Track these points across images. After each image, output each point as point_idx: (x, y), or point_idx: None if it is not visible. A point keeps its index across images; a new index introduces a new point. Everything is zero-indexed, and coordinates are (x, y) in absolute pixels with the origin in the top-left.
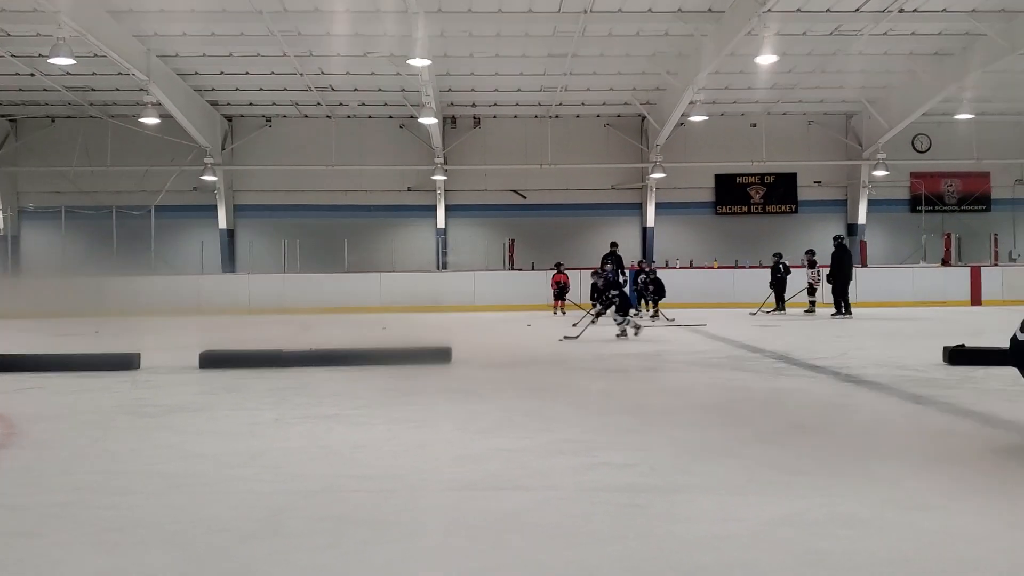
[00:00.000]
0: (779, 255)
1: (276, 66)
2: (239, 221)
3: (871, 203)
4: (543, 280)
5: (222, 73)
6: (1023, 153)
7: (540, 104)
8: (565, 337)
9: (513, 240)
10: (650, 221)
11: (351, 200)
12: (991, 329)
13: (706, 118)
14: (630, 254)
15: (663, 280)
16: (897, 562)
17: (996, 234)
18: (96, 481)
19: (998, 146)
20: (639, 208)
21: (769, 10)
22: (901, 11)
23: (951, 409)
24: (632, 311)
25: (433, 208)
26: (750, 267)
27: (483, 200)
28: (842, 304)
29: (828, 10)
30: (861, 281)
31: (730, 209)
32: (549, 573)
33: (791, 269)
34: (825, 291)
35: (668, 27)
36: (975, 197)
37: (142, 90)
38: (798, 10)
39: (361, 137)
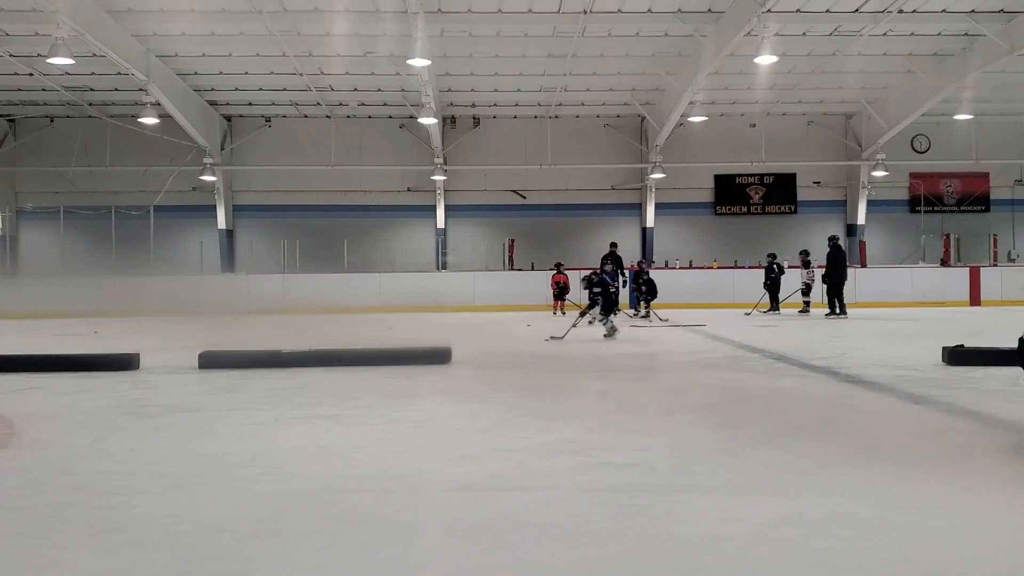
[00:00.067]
0: (773, 255)
1: (275, 66)
2: (238, 221)
3: (870, 203)
4: (543, 280)
5: (221, 73)
6: (1022, 153)
7: (540, 104)
8: (552, 337)
9: (513, 240)
10: (650, 221)
11: (350, 200)
12: (990, 329)
13: (705, 118)
14: (630, 254)
15: (655, 280)
16: (897, 562)
17: (995, 234)
18: (96, 481)
19: (997, 147)
20: (639, 208)
21: (769, 10)
22: (900, 12)
23: (950, 409)
24: (631, 312)
25: (433, 208)
26: (749, 267)
27: (483, 200)
28: (837, 304)
29: (828, 11)
30: (860, 281)
31: (729, 209)
32: (549, 573)
33: (785, 269)
34: (820, 291)
35: (668, 27)
36: (974, 197)
37: (141, 90)
38: (798, 10)
39: (361, 137)
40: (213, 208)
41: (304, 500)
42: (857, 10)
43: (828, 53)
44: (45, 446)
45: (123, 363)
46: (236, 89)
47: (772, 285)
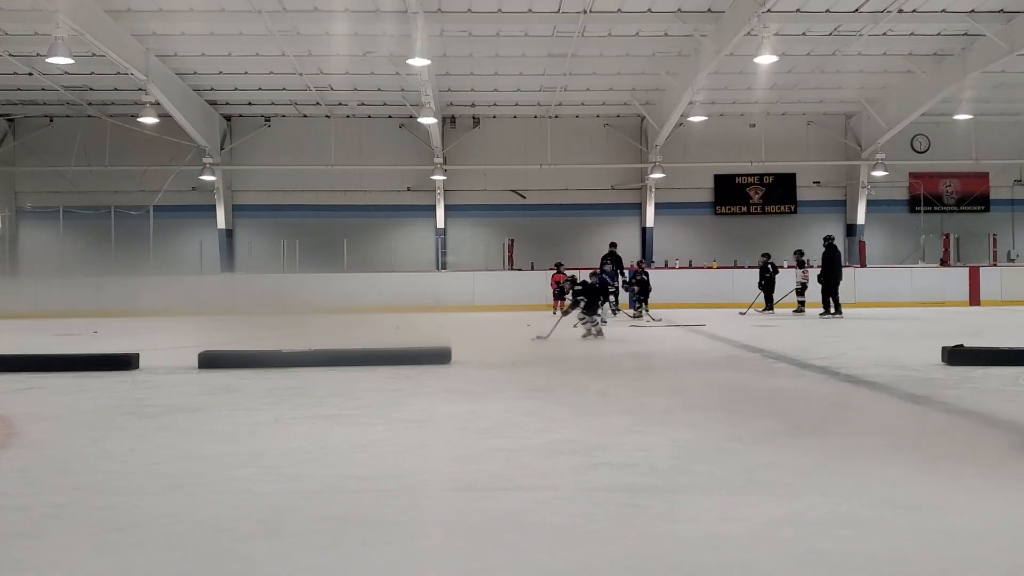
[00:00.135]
0: (767, 255)
1: (275, 66)
2: (238, 221)
3: (870, 203)
4: (543, 280)
5: (221, 73)
6: (1022, 153)
7: (539, 104)
8: (538, 337)
9: (512, 240)
10: (649, 221)
11: (350, 200)
12: (990, 329)
13: (705, 118)
14: (629, 254)
15: (647, 279)
16: (897, 562)
17: (995, 234)
18: (96, 481)
19: (997, 146)
20: (638, 208)
21: (768, 10)
22: (900, 12)
23: (950, 409)
24: (631, 312)
25: (432, 208)
26: (749, 267)
27: (482, 200)
28: (832, 304)
29: (827, 10)
30: (860, 281)
31: (729, 209)
32: (549, 573)
33: (779, 269)
34: (815, 291)
35: (667, 27)
36: (974, 197)
37: (141, 90)
38: (797, 10)
39: (360, 137)
40: (213, 208)
41: (304, 500)
42: (857, 10)
43: (828, 53)
44: (45, 446)
45: (122, 363)
46: (236, 89)
47: (767, 285)
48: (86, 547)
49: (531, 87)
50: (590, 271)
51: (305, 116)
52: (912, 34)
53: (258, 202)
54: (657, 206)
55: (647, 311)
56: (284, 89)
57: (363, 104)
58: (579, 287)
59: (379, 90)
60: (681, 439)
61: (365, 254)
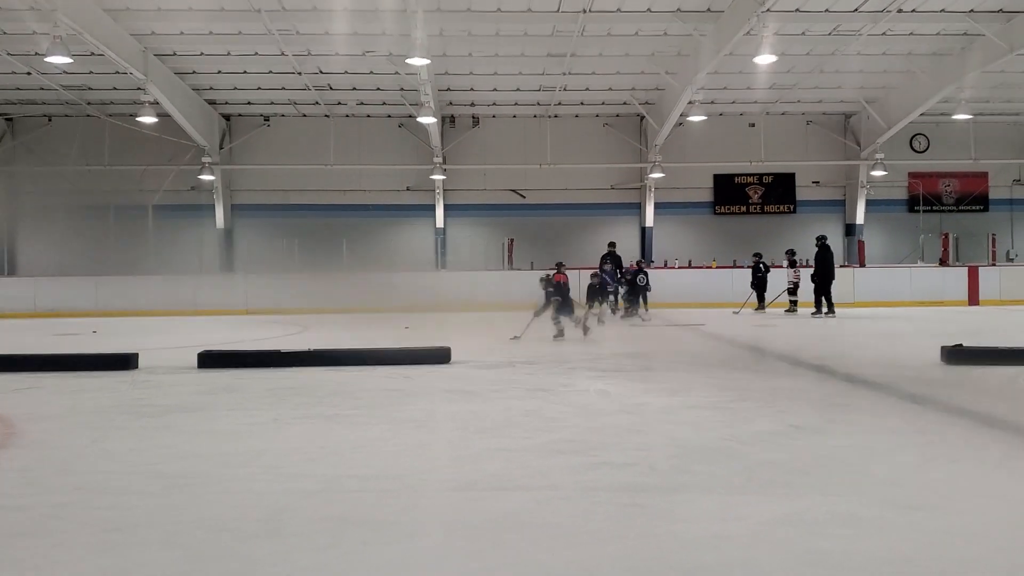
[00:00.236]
0: (759, 255)
1: (274, 65)
2: (237, 221)
3: (869, 203)
4: None
5: (220, 72)
6: (1021, 153)
7: (539, 104)
8: (514, 337)
9: (512, 240)
10: (649, 221)
11: (350, 200)
12: (989, 329)
13: (705, 118)
14: (629, 254)
15: (637, 279)
16: (897, 562)
17: (994, 234)
18: (96, 481)
19: (996, 146)
20: (638, 208)
21: (768, 10)
22: (899, 11)
23: (949, 409)
24: (636, 310)
25: (432, 208)
26: (748, 267)
27: (482, 200)
28: (824, 303)
29: (827, 10)
30: (859, 281)
31: (729, 209)
32: (549, 573)
33: (771, 268)
34: (808, 290)
35: (667, 27)
36: (973, 197)
37: (140, 89)
38: (797, 10)
39: (359, 136)
40: (212, 208)
41: (304, 500)
42: (856, 10)
43: (827, 53)
44: (45, 446)
45: (122, 363)
46: (235, 88)
47: (759, 284)
48: (86, 547)
49: (530, 86)
50: (590, 271)
51: (304, 115)
52: (911, 34)
53: (257, 202)
54: (656, 206)
55: (646, 310)
56: (283, 88)
57: (362, 103)
58: (551, 290)
59: (378, 89)
60: (681, 439)
61: (365, 254)
